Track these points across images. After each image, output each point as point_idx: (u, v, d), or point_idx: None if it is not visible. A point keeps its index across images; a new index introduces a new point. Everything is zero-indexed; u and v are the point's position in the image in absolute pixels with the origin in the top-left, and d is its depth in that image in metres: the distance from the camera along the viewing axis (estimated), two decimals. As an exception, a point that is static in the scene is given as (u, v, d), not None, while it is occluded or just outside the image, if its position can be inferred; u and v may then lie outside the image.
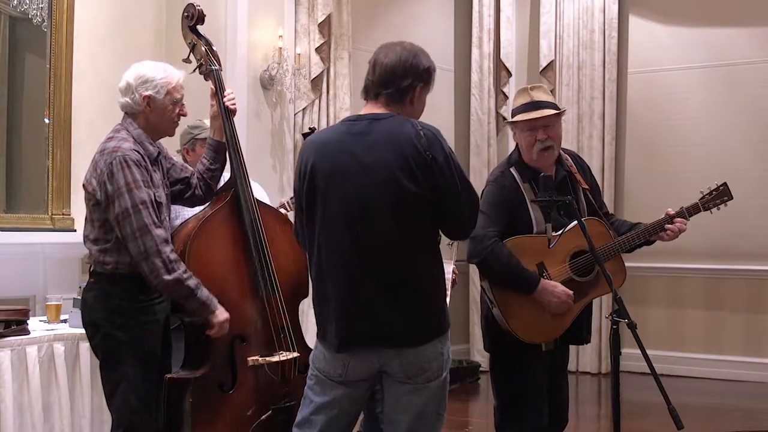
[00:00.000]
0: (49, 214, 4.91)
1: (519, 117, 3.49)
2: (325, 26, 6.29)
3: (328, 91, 6.38)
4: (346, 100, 6.41)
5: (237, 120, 3.53)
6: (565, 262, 3.46)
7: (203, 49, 3.54)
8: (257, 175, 4.36)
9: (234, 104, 3.45)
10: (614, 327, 3.01)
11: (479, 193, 3.07)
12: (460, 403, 6.70)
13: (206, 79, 3.52)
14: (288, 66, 6.00)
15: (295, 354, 3.42)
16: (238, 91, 5.87)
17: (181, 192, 3.36)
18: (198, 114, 3.92)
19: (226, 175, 3.52)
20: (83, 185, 3.16)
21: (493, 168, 7.41)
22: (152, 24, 5.46)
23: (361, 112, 2.77)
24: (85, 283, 3.23)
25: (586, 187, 3.57)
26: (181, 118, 3.31)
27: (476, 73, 7.73)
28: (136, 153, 3.09)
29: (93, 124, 5.06)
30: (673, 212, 3.54)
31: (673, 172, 7.33)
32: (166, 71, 3.23)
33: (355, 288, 2.64)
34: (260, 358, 3.34)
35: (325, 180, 2.66)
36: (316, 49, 6.23)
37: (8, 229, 4.65)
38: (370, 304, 2.63)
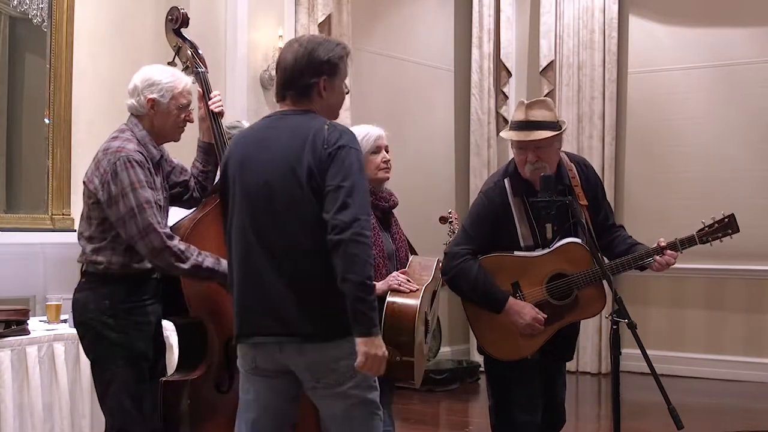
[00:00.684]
0: (49, 214, 4.91)
1: (509, 135, 3.45)
2: (325, 26, 6.29)
3: (328, 91, 6.37)
4: (346, 100, 6.39)
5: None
6: (542, 284, 3.42)
7: (189, 52, 3.55)
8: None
9: (220, 107, 3.44)
10: (614, 327, 3.01)
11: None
12: (460, 403, 6.71)
13: (192, 82, 3.52)
14: (288, 66, 5.99)
15: None
16: (238, 91, 5.88)
17: (180, 194, 3.37)
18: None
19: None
20: (84, 182, 3.15)
21: (492, 170, 7.51)
22: (152, 24, 5.45)
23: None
24: (77, 284, 3.22)
25: (584, 203, 3.47)
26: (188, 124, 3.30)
27: (476, 73, 7.73)
28: (139, 154, 3.09)
29: (93, 124, 5.06)
30: (664, 243, 3.41)
31: (673, 172, 7.33)
32: (174, 76, 3.23)
33: (254, 280, 2.65)
34: None
35: (234, 171, 2.73)
36: (316, 49, 6.22)
37: (8, 229, 4.65)
38: (267, 297, 2.62)
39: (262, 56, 5.98)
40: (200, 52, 3.59)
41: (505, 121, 7.80)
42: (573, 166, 3.53)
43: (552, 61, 7.60)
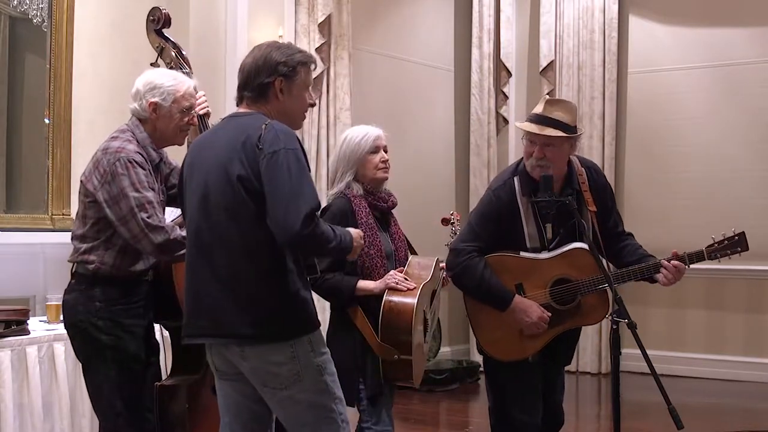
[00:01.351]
0: (49, 214, 4.91)
1: (523, 125, 3.44)
2: (325, 26, 6.29)
3: (328, 92, 6.38)
4: (346, 100, 6.41)
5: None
6: (545, 287, 3.41)
7: (172, 52, 3.53)
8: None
9: (206, 108, 3.42)
10: (614, 327, 3.01)
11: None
12: (460, 403, 6.71)
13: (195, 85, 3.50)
14: (288, 66, 5.99)
15: None
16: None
17: (177, 195, 3.36)
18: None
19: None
20: (81, 181, 3.14)
21: (492, 170, 7.52)
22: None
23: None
24: (67, 285, 3.20)
25: (593, 209, 3.44)
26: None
27: (476, 73, 7.73)
28: (139, 155, 3.09)
29: (93, 124, 5.06)
30: (674, 255, 3.36)
31: (673, 172, 7.33)
32: (176, 79, 3.21)
33: (194, 281, 2.67)
34: None
35: (186, 174, 2.78)
36: (316, 49, 6.22)
37: (8, 229, 4.64)
38: (206, 298, 2.63)
39: (262, 56, 5.97)
40: (184, 52, 3.57)
41: (505, 120, 7.81)
42: (584, 171, 3.50)
43: (552, 61, 7.60)
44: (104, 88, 5.17)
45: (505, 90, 7.80)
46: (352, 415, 2.96)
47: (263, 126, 2.59)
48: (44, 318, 4.21)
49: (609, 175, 7.36)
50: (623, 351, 3.10)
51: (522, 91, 7.82)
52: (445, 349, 7.27)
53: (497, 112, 7.79)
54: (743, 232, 3.45)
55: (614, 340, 3.02)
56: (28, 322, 3.90)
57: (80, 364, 3.89)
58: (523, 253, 3.42)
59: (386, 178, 3.45)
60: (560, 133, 3.34)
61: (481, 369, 6.92)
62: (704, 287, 7.16)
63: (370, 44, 7.05)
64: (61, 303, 4.13)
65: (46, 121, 4.93)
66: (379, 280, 3.28)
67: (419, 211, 6.16)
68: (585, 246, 3.33)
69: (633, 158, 7.53)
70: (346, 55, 6.45)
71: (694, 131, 7.29)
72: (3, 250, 4.57)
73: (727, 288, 7.13)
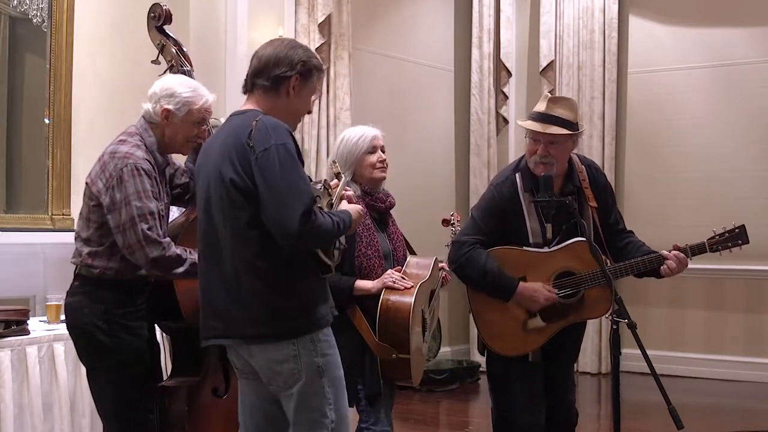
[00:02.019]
0: (49, 214, 4.91)
1: (526, 124, 3.44)
2: (325, 26, 6.29)
3: (328, 92, 6.37)
4: (346, 100, 6.41)
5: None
6: (549, 281, 3.41)
7: (173, 50, 3.50)
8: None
9: None
10: (614, 327, 3.01)
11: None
12: (460, 403, 6.70)
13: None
14: (288, 66, 5.99)
15: None
16: (238, 91, 5.86)
17: (181, 195, 3.36)
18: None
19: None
20: (87, 183, 3.11)
21: (492, 170, 7.52)
22: (152, 24, 5.45)
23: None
24: (69, 286, 3.18)
25: (594, 205, 3.45)
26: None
27: (476, 73, 7.73)
28: (147, 163, 3.04)
29: (93, 124, 5.06)
30: (675, 248, 3.40)
31: (673, 172, 7.33)
32: (195, 91, 3.14)
33: (207, 282, 2.69)
34: None
35: (195, 176, 2.84)
36: (316, 49, 6.22)
37: (8, 229, 4.64)
38: (216, 298, 2.65)
39: (262, 56, 5.97)
40: (185, 50, 3.54)
41: (505, 121, 7.81)
42: (584, 168, 3.52)
43: (552, 61, 7.60)
44: (104, 88, 5.17)
45: (505, 90, 7.80)
46: (352, 415, 2.96)
47: (254, 123, 2.59)
48: (44, 318, 4.21)
49: (609, 175, 7.36)
50: (623, 351, 3.10)
51: (522, 91, 7.81)
52: (445, 349, 7.27)
53: (497, 112, 7.79)
54: (743, 225, 3.48)
55: (614, 340, 3.02)
56: (28, 322, 3.90)
57: (81, 365, 3.90)
58: (526, 247, 3.42)
59: (384, 178, 3.46)
60: (564, 131, 3.35)
61: (482, 369, 6.98)
62: (704, 287, 7.16)
63: (370, 44, 7.05)
64: (61, 303, 4.14)
65: (46, 121, 4.93)
66: (377, 280, 3.28)
67: (419, 211, 6.16)
68: (583, 240, 3.33)
69: (633, 158, 7.53)
70: (346, 55, 6.45)
71: (694, 131, 7.29)
72: (3, 250, 4.57)
73: (727, 288, 7.13)
